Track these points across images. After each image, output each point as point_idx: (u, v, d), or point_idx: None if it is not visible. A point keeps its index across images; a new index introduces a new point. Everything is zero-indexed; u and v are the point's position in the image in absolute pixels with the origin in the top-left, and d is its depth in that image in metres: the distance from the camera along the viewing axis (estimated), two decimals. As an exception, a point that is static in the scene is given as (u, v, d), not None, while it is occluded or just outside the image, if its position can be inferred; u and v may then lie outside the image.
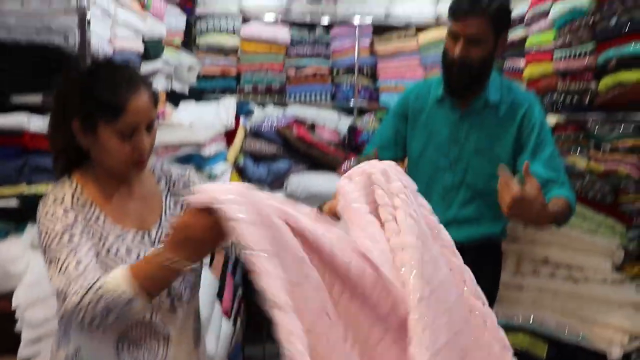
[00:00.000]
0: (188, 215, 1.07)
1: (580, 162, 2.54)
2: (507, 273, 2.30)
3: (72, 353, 1.33)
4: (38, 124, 2.03)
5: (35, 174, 2.01)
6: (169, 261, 1.11)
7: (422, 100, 2.09)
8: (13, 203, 1.94)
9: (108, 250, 1.31)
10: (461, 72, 1.90)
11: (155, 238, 1.39)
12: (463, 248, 1.99)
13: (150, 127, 1.33)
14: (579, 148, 2.64)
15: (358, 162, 1.35)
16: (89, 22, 2.60)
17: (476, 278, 1.98)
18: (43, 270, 1.30)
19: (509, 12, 1.93)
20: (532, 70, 3.16)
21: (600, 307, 2.04)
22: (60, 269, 1.21)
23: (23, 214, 1.96)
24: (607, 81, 2.39)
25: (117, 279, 1.16)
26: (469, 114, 1.99)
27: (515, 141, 1.97)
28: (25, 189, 1.95)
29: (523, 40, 3.33)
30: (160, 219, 1.42)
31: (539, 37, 3.09)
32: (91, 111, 1.28)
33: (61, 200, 1.30)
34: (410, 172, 2.11)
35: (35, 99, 2.52)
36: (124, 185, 1.39)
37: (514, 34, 3.47)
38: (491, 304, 2.09)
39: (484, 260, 2.06)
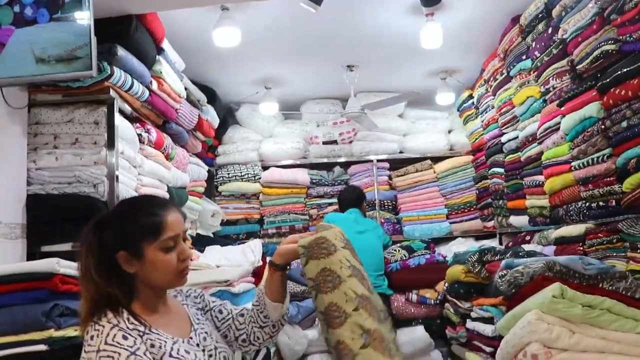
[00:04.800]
0: None
1: (619, 265, 2.44)
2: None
3: None
4: (68, 266, 2.03)
5: (65, 317, 1.97)
6: None
7: None
8: (41, 348, 1.88)
9: (170, 355, 1.37)
10: None
11: (197, 342, 1.49)
12: None
13: (185, 238, 1.51)
14: (615, 253, 2.56)
15: None
16: (117, 175, 2.74)
17: None
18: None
19: None
20: (552, 183, 3.18)
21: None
22: None
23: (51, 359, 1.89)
24: (630, 181, 2.38)
25: None
26: None
27: None
28: (53, 333, 1.91)
29: (539, 156, 3.40)
30: (192, 326, 1.53)
31: (554, 150, 3.15)
32: (135, 237, 1.42)
33: (116, 324, 1.33)
34: None
35: (65, 247, 2.58)
36: (161, 304, 1.50)
37: (530, 152, 3.55)
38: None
39: None
